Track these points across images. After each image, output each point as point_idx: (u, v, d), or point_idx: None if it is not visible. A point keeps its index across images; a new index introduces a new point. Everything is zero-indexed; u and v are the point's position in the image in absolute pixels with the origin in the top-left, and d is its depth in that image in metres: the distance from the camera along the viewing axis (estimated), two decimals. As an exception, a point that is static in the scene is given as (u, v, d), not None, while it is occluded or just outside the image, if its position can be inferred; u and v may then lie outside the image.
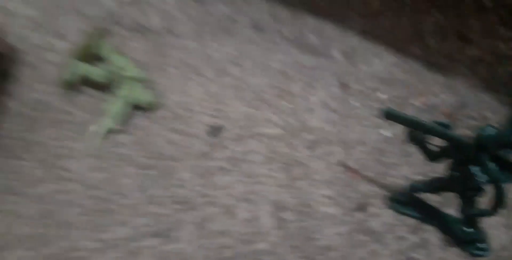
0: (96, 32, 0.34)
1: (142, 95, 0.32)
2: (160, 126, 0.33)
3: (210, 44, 0.39)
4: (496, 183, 0.22)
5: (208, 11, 0.42)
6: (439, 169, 0.29)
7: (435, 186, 0.25)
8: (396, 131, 0.32)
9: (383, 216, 0.28)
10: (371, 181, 0.29)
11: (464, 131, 0.32)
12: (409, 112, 0.33)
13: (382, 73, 0.36)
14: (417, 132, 0.23)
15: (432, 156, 0.24)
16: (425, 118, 0.32)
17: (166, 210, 0.28)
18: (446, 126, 0.22)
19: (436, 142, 0.23)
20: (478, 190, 0.23)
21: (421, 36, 0.34)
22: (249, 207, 0.28)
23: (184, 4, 0.42)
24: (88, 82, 0.33)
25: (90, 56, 0.33)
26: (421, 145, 0.24)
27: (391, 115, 0.23)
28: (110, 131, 0.31)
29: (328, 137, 0.32)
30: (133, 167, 0.30)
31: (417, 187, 0.26)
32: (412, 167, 0.30)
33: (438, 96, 0.34)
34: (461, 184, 0.23)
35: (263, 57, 0.37)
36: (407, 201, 0.27)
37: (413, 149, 0.30)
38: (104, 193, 0.29)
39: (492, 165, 0.21)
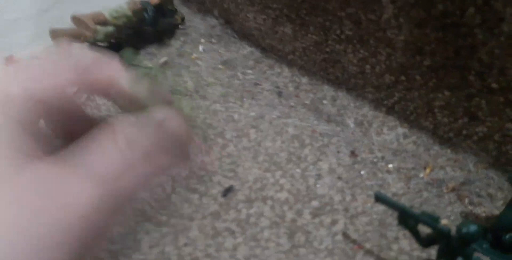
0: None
1: None
2: (178, 184, 0.35)
3: (233, 107, 0.42)
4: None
5: (237, 75, 0.46)
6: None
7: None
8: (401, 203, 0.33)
9: (379, 290, 0.28)
10: (370, 253, 0.30)
11: (467, 206, 0.32)
12: (416, 185, 0.34)
13: (392, 144, 0.37)
14: (407, 217, 0.25)
15: (422, 242, 0.25)
16: (431, 192, 0.33)
17: (173, 267, 0.30)
18: (434, 218, 0.23)
19: (426, 229, 0.24)
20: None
21: (431, 111, 0.36)
22: (250, 271, 0.29)
23: (214, 69, 0.46)
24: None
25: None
26: (411, 230, 0.25)
27: (380, 199, 0.25)
28: None
29: (333, 204, 0.33)
30: (150, 223, 0.32)
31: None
32: (412, 242, 0.30)
33: (445, 170, 0.34)
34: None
35: (280, 121, 0.40)
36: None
37: (414, 223, 0.31)
38: (119, 247, 0.31)
39: (476, 258, 0.22)
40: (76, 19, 0.41)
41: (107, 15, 0.42)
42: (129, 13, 0.44)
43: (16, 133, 0.22)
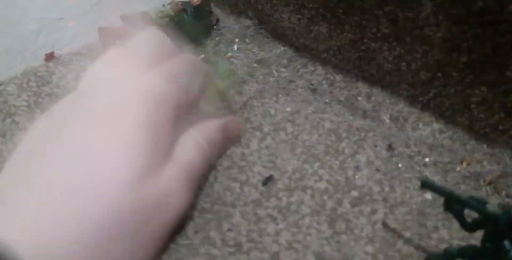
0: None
1: None
2: (220, 173, 0.36)
3: (269, 103, 0.43)
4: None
5: (271, 73, 0.47)
6: (478, 236, 0.30)
7: (469, 254, 0.26)
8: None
9: (420, 277, 0.29)
10: (410, 242, 0.31)
11: (505, 199, 0.33)
12: (453, 178, 0.35)
13: (428, 139, 0.38)
14: (453, 202, 0.25)
15: (468, 226, 0.25)
16: (468, 184, 0.34)
17: (218, 251, 0.31)
18: (481, 201, 0.24)
19: (472, 213, 0.25)
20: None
21: (467, 106, 0.36)
22: (293, 255, 0.30)
23: (249, 67, 0.47)
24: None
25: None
26: (457, 214, 0.25)
27: (426, 184, 0.26)
28: None
29: (372, 195, 0.34)
30: (195, 210, 0.34)
31: (451, 253, 0.27)
32: (452, 231, 0.31)
33: (481, 164, 0.35)
34: (493, 256, 0.24)
35: (316, 116, 0.41)
36: (444, 263, 0.28)
37: (453, 213, 0.32)
38: (165, 231, 0.32)
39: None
40: (125, 18, 0.43)
41: (153, 14, 0.44)
42: (172, 13, 0.46)
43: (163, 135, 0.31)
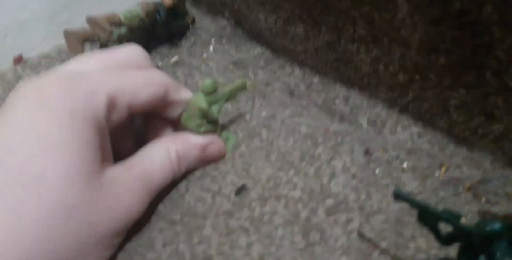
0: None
1: None
2: (191, 183, 0.35)
3: (244, 107, 0.42)
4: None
5: (248, 75, 0.46)
6: (456, 246, 0.29)
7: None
8: (416, 202, 0.32)
9: (397, 289, 0.28)
10: (387, 252, 0.30)
11: (484, 205, 0.32)
12: (431, 184, 0.34)
13: (406, 143, 0.37)
14: (427, 215, 0.24)
15: (443, 240, 0.24)
16: (447, 191, 0.33)
17: (187, 265, 0.29)
18: (455, 215, 0.23)
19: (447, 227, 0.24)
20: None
21: (446, 109, 0.35)
22: (265, 269, 0.29)
23: (225, 69, 0.46)
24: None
25: None
26: (432, 228, 0.24)
27: (400, 196, 0.24)
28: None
29: (348, 203, 0.32)
30: (164, 222, 0.32)
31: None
32: (429, 240, 0.30)
33: (461, 169, 0.34)
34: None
35: (292, 120, 0.40)
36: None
37: (431, 222, 0.31)
38: (133, 245, 0.31)
39: (499, 255, 0.22)
40: (91, 20, 0.41)
41: (121, 16, 0.42)
42: (142, 14, 0.44)
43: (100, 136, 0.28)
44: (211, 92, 0.34)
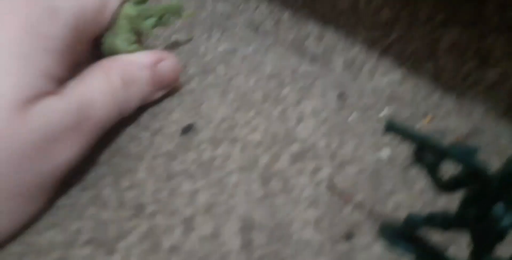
0: None
1: None
2: (129, 122, 0.28)
3: (199, 40, 0.35)
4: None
5: (204, 6, 0.39)
6: (445, 202, 0.24)
7: (439, 222, 0.20)
8: (396, 152, 0.27)
9: (372, 249, 0.23)
10: (361, 207, 0.24)
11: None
12: (412, 134, 0.29)
13: (385, 90, 0.31)
14: (427, 152, 0.19)
15: (444, 185, 0.19)
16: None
17: (110, 214, 0.23)
18: (470, 151, 0.17)
19: (450, 167, 0.19)
20: (498, 234, 0.18)
21: (434, 52, 0.30)
22: (212, 221, 0.23)
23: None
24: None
25: None
26: (431, 169, 0.19)
27: (395, 129, 0.19)
28: None
29: (316, 150, 0.27)
30: (85, 163, 0.25)
31: (415, 220, 0.21)
32: (411, 196, 0.25)
33: (447, 120, 0.29)
34: (476, 225, 0.18)
35: (255, 58, 0.33)
36: (402, 234, 0.22)
37: (414, 175, 0.26)
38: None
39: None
40: None
41: None
42: None
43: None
44: (139, 1, 0.27)
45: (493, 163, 0.26)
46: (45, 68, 0.22)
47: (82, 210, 0.23)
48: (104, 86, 0.25)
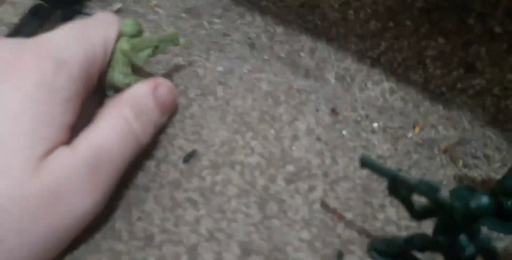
0: None
1: None
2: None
3: (198, 61, 0.37)
4: (488, 254, 0.19)
5: (202, 25, 0.40)
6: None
7: (418, 244, 0.22)
8: (387, 165, 0.29)
9: (362, 266, 0.25)
10: (353, 224, 0.26)
11: (462, 169, 0.29)
12: (404, 145, 0.30)
13: (377, 100, 0.33)
14: (399, 185, 0.20)
15: (416, 214, 0.21)
16: (420, 153, 0.29)
17: (123, 246, 0.25)
18: (433, 187, 0.19)
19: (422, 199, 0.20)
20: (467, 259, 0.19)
21: (422, 62, 0.31)
22: (214, 247, 0.25)
23: (176, 18, 0.40)
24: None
25: None
26: (404, 200, 0.21)
27: (366, 164, 0.20)
28: None
29: (311, 169, 0.29)
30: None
31: (397, 242, 0.23)
32: (400, 210, 0.27)
33: (436, 129, 0.30)
34: (447, 250, 0.20)
35: (252, 76, 0.35)
36: (389, 251, 0.24)
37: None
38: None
39: (484, 236, 0.18)
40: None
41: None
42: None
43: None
44: (134, 35, 0.28)
45: (480, 172, 0.28)
46: (57, 118, 0.23)
47: (98, 243, 0.26)
48: (120, 124, 0.25)
